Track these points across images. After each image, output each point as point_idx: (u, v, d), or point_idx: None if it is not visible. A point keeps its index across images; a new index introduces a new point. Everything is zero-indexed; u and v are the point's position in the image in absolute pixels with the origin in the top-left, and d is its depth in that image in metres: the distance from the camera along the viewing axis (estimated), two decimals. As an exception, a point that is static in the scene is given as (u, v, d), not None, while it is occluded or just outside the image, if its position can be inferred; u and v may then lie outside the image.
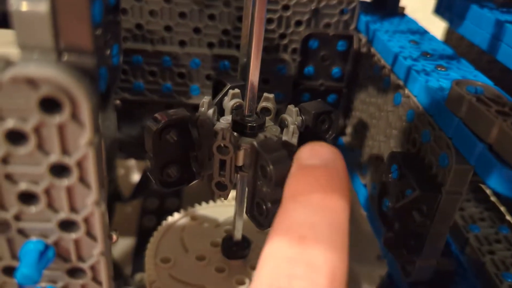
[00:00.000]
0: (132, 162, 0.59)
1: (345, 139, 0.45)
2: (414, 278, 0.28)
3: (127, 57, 0.41)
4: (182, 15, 0.40)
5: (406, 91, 0.31)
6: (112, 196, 0.55)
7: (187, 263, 0.34)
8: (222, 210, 0.39)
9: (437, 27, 0.50)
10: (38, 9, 0.15)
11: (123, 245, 0.55)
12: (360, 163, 0.40)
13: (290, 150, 0.28)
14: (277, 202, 0.25)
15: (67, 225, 0.18)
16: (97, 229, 0.18)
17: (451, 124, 0.25)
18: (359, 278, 0.55)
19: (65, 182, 0.17)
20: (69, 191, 0.17)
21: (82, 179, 0.17)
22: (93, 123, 0.16)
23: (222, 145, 0.27)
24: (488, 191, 0.43)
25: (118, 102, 0.44)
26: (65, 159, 0.16)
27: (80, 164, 0.17)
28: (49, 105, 0.15)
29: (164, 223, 0.38)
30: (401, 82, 0.32)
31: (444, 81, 0.29)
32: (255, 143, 0.25)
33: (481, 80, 0.30)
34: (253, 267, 0.34)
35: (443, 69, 0.31)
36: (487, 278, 0.33)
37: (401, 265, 0.28)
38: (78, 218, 0.18)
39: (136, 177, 0.60)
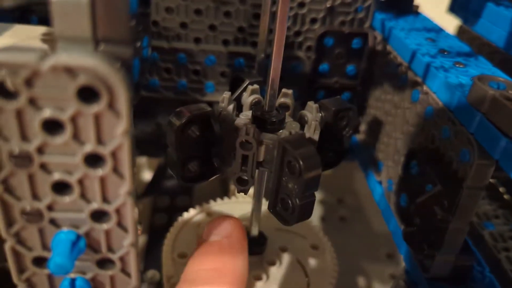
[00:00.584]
0: (143, 160, 0.59)
1: (359, 136, 0.45)
2: (433, 274, 0.28)
3: (142, 54, 0.42)
4: (197, 12, 0.40)
5: (425, 87, 0.31)
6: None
7: (204, 258, 0.34)
8: (237, 206, 0.40)
9: (447, 26, 0.50)
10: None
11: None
12: (375, 160, 0.40)
13: (313, 145, 0.28)
14: (305, 198, 0.25)
15: (98, 216, 0.18)
16: (128, 220, 0.18)
17: (473, 119, 0.25)
18: (369, 277, 0.55)
19: (99, 172, 0.17)
20: (103, 181, 0.17)
21: (116, 169, 0.17)
22: (129, 112, 0.16)
23: (245, 140, 0.27)
24: (501, 189, 0.43)
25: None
26: (100, 149, 0.17)
27: (114, 154, 0.17)
28: (86, 94, 0.16)
29: (180, 219, 0.38)
30: (419, 79, 0.32)
31: (463, 77, 0.29)
32: (280, 139, 0.25)
33: (501, 76, 0.30)
34: (270, 263, 0.34)
35: (461, 66, 0.31)
36: (503, 275, 0.33)
37: (420, 260, 0.29)
38: (110, 208, 0.18)
39: (147, 175, 0.60)
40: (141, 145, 0.48)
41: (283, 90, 0.31)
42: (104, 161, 0.17)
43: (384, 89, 0.39)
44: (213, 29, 0.41)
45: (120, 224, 0.19)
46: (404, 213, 0.30)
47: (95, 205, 0.18)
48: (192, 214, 0.39)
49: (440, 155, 0.28)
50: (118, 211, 0.18)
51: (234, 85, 0.33)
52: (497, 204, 0.41)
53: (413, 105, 0.33)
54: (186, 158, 0.28)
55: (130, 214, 0.18)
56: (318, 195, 0.62)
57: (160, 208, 0.58)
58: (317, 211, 0.60)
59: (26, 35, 0.21)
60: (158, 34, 0.41)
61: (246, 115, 0.30)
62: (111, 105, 0.16)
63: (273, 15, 0.34)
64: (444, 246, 0.27)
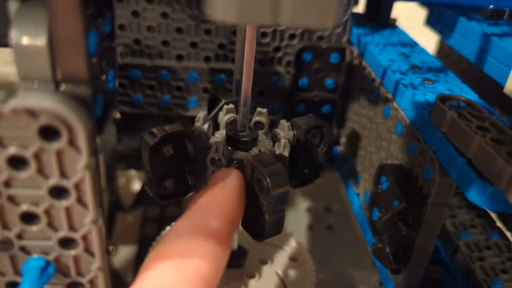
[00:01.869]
0: (132, 172, 0.60)
1: (339, 148, 0.46)
2: (404, 286, 0.29)
3: (126, 72, 0.43)
4: (179, 30, 0.41)
5: (395, 104, 0.32)
6: (113, 206, 0.56)
7: (185, 272, 0.35)
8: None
9: (433, 35, 0.51)
10: (37, 43, 0.16)
11: (124, 253, 0.56)
12: (354, 173, 0.41)
13: (282, 163, 0.29)
14: (274, 213, 0.26)
15: (66, 243, 0.19)
16: (95, 245, 0.19)
17: (434, 138, 0.26)
18: (356, 284, 0.55)
19: (64, 203, 0.18)
20: (68, 211, 0.18)
21: (80, 200, 0.18)
22: (89, 148, 0.17)
23: (215, 157, 0.28)
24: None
25: (118, 115, 0.46)
26: (64, 182, 0.18)
27: (77, 186, 0.18)
28: (48, 132, 0.17)
29: (162, 233, 0.39)
30: (390, 96, 0.33)
31: (430, 95, 0.30)
32: (249, 157, 0.26)
33: (467, 94, 0.31)
34: (250, 276, 0.35)
35: (430, 83, 0.32)
36: (476, 285, 0.34)
37: (389, 270, 0.29)
38: (77, 236, 0.19)
39: (136, 186, 0.61)
40: (128, 159, 0.49)
41: (258, 109, 0.32)
42: (68, 193, 0.18)
43: (361, 103, 0.40)
44: (194, 46, 0.42)
45: (87, 250, 0.20)
46: (375, 228, 0.31)
47: (62, 233, 0.19)
48: (175, 228, 0.40)
49: (407, 172, 0.29)
50: (84, 238, 0.19)
51: (212, 103, 0.34)
52: (475, 213, 0.42)
53: (385, 121, 0.34)
54: (161, 176, 0.29)
55: (96, 240, 0.19)
56: (305, 203, 0.63)
57: (150, 219, 0.58)
58: (304, 220, 0.61)
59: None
60: (141, 52, 0.42)
61: (221, 134, 0.31)
62: (72, 142, 0.17)
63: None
64: (411, 261, 0.27)
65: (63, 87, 0.17)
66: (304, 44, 0.42)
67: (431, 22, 0.45)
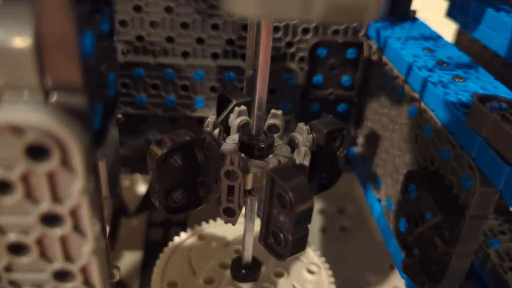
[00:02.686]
0: (137, 176, 0.58)
1: (356, 149, 0.43)
2: (436, 304, 0.27)
3: (128, 71, 0.40)
4: (184, 25, 0.39)
5: (422, 104, 0.29)
6: (118, 211, 0.54)
7: (195, 287, 0.33)
8: (231, 228, 0.38)
9: (448, 27, 0.48)
10: (21, 45, 0.13)
11: (129, 259, 0.54)
12: (374, 176, 0.38)
13: (303, 174, 0.27)
14: (297, 232, 0.23)
15: (62, 275, 0.17)
16: (95, 278, 0.17)
17: (473, 143, 0.24)
18: (372, 287, 0.53)
19: (58, 231, 0.15)
20: (63, 240, 0.16)
21: (77, 228, 0.16)
22: (86, 168, 0.14)
23: (230, 170, 0.25)
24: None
25: (120, 116, 0.43)
26: (57, 208, 0.15)
27: (73, 213, 0.15)
28: (37, 151, 0.14)
29: (170, 244, 0.37)
30: (416, 95, 0.30)
31: (463, 94, 0.27)
32: (269, 170, 0.24)
33: (502, 92, 0.28)
34: (264, 290, 0.33)
35: (461, 80, 0.29)
36: (512, 298, 0.31)
37: (422, 291, 0.27)
38: (74, 268, 0.16)
39: (141, 190, 0.58)
40: (131, 162, 0.46)
41: (272, 111, 0.30)
42: (62, 220, 0.15)
43: (381, 101, 0.37)
44: (200, 42, 0.39)
45: (86, 283, 0.17)
46: (404, 240, 0.29)
47: (57, 265, 0.16)
48: (183, 238, 0.37)
49: (439, 179, 0.26)
50: (83, 270, 0.17)
51: (221, 104, 0.31)
52: (503, 219, 0.39)
53: (410, 122, 0.31)
54: (169, 188, 0.26)
55: (97, 272, 0.17)
56: (319, 205, 0.61)
57: (155, 223, 0.56)
58: (317, 222, 0.59)
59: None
60: (144, 50, 0.40)
61: (233, 140, 0.28)
62: (65, 162, 0.14)
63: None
64: (446, 279, 0.25)
65: (54, 97, 0.14)
66: (318, 38, 0.39)
67: (452, 14, 0.42)
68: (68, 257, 0.16)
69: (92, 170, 0.15)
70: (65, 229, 0.15)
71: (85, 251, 0.16)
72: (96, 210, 0.16)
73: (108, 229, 0.53)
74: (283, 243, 0.24)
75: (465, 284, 0.27)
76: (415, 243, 0.25)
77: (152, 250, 0.52)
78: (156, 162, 0.25)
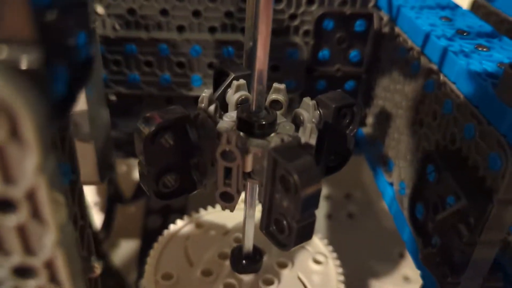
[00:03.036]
0: (132, 161, 0.55)
1: (365, 130, 0.40)
2: (457, 299, 0.24)
3: (119, 47, 0.37)
4: (179, -4, 0.36)
5: (442, 76, 0.26)
6: (113, 198, 0.51)
7: (192, 279, 0.30)
8: (231, 215, 0.35)
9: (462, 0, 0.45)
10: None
11: (126, 248, 0.51)
12: (385, 158, 0.35)
13: (309, 154, 0.24)
14: (304, 219, 0.21)
15: (24, 271, 0.14)
16: (62, 274, 0.14)
17: (504, 117, 0.21)
18: (381, 278, 0.50)
19: (12, 219, 0.13)
20: (20, 230, 0.13)
21: (35, 215, 0.13)
22: (42, 142, 0.12)
23: (227, 149, 0.22)
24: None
25: (113, 97, 0.40)
26: (9, 191, 0.12)
27: (30, 196, 0.12)
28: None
29: (165, 232, 0.34)
30: (434, 66, 0.27)
31: (488, 64, 0.24)
32: (270, 149, 0.21)
33: (533, 62, 0.25)
34: (267, 282, 0.30)
35: (485, 49, 0.26)
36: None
37: (441, 284, 0.24)
38: (37, 262, 0.14)
39: (137, 175, 0.56)
40: (126, 146, 0.43)
41: (275, 85, 0.27)
42: (17, 205, 0.13)
43: (392, 77, 0.34)
44: (197, 15, 0.36)
45: (53, 280, 0.14)
46: (421, 228, 0.26)
47: (16, 258, 0.14)
48: (179, 225, 0.35)
49: (463, 160, 0.23)
50: (48, 264, 0.14)
51: (218, 80, 0.28)
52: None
53: (427, 97, 0.28)
54: (160, 171, 0.24)
55: (64, 267, 0.14)
56: (324, 190, 0.58)
57: (153, 210, 0.54)
58: (323, 208, 0.56)
59: None
60: (136, 24, 0.37)
61: (230, 117, 0.25)
62: (15, 135, 0.11)
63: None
64: (469, 270, 0.22)
65: (3, 52, 0.11)
66: (324, 10, 0.36)
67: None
68: (28, 250, 0.14)
69: (51, 145, 0.12)
70: (21, 216, 0.13)
71: (48, 242, 0.13)
72: (60, 194, 0.13)
73: (102, 217, 0.51)
74: (286, 231, 0.22)
75: (489, 276, 0.24)
76: (435, 231, 0.23)
77: (150, 238, 0.50)
78: (143, 142, 0.22)
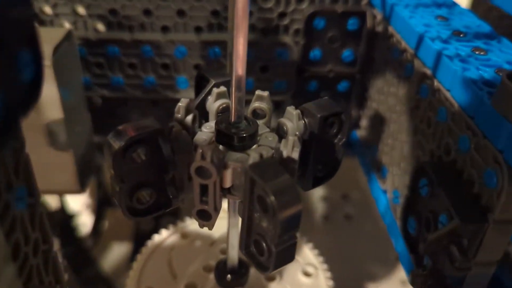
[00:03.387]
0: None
1: (359, 133, 0.38)
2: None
3: (101, 49, 0.36)
4: (162, -5, 0.34)
5: (436, 82, 0.25)
6: (102, 201, 0.50)
7: (175, 294, 0.29)
8: (217, 225, 0.34)
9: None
10: None
11: (118, 252, 0.50)
12: (379, 164, 0.33)
13: (291, 169, 0.22)
14: (283, 242, 0.19)
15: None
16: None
17: (501, 131, 0.19)
18: (378, 282, 0.49)
19: None
20: None
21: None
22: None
23: (201, 166, 0.21)
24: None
25: (99, 100, 0.39)
26: None
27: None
28: None
29: (149, 243, 0.33)
30: (428, 71, 0.26)
31: (485, 70, 0.23)
32: (247, 166, 0.19)
33: (534, 67, 0.23)
34: (253, 297, 0.29)
35: (482, 53, 0.24)
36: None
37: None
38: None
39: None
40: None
41: (257, 92, 0.25)
42: None
43: (386, 79, 0.32)
44: (182, 15, 0.35)
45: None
46: (412, 244, 0.24)
47: None
48: (164, 236, 0.33)
49: (457, 173, 0.22)
50: None
51: (200, 86, 0.27)
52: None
53: (421, 103, 0.27)
54: (133, 187, 0.22)
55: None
56: (321, 191, 0.56)
57: (145, 213, 0.52)
58: (319, 209, 0.55)
59: None
60: (118, 25, 0.35)
61: (210, 127, 0.24)
62: None
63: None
64: (465, 294, 0.21)
65: None
66: (315, 8, 0.34)
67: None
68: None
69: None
70: None
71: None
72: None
73: (92, 221, 0.50)
74: (266, 254, 0.20)
75: (485, 296, 0.23)
76: (426, 251, 0.21)
77: (142, 242, 0.49)
78: (112, 157, 0.21)
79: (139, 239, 0.50)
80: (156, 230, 0.35)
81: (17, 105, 0.13)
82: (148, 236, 0.35)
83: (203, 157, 0.20)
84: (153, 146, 0.22)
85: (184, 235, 0.33)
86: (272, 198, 0.18)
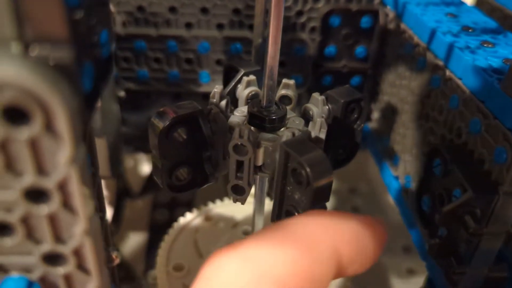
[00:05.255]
0: (140, 156, 0.56)
1: (371, 125, 0.41)
2: (462, 288, 0.25)
3: (129, 43, 0.38)
4: (187, -6, 0.36)
5: (448, 72, 0.27)
6: (122, 192, 0.52)
7: (203, 270, 0.31)
8: (239, 208, 0.36)
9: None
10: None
11: (135, 241, 0.52)
12: (391, 153, 0.36)
13: (320, 148, 0.25)
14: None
15: (53, 259, 0.15)
16: (90, 262, 0.15)
17: (510, 112, 0.21)
18: (385, 271, 0.51)
19: (44, 209, 0.13)
20: (52, 219, 0.14)
21: (66, 205, 0.13)
22: (74, 134, 0.12)
23: (239, 143, 0.23)
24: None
25: (122, 93, 0.41)
26: (42, 181, 0.13)
27: (61, 187, 0.13)
28: (16, 115, 0.12)
29: (175, 225, 0.35)
30: (440, 62, 0.28)
31: (493, 60, 0.25)
32: (282, 142, 0.21)
33: (539, 58, 0.25)
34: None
35: (490, 46, 0.27)
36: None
37: (447, 274, 0.25)
38: (66, 250, 0.14)
39: (145, 170, 0.57)
40: (135, 141, 0.44)
41: (284, 80, 0.27)
42: (49, 196, 0.13)
43: (398, 73, 0.34)
44: (205, 12, 0.37)
45: (81, 267, 0.15)
46: (427, 219, 0.26)
47: (46, 246, 0.14)
48: (189, 219, 0.35)
49: (469, 153, 0.24)
50: (76, 252, 0.15)
51: (228, 76, 0.29)
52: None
53: (433, 92, 0.29)
54: (173, 164, 0.24)
55: (92, 255, 0.15)
56: (328, 184, 0.58)
57: (161, 204, 0.54)
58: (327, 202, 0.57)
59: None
60: (145, 21, 0.37)
61: (241, 112, 0.26)
62: (49, 127, 0.12)
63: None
64: (475, 261, 0.23)
65: (35, 50, 0.12)
66: (331, 7, 0.37)
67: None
68: (58, 238, 0.14)
69: (81, 138, 0.13)
70: (52, 206, 0.13)
71: (77, 231, 0.14)
72: (88, 186, 0.14)
73: (111, 211, 0.52)
74: None
75: (494, 266, 0.25)
76: (442, 222, 0.23)
77: (157, 231, 0.50)
78: (158, 136, 0.23)
79: (155, 229, 0.52)
80: (171, 221, 0.37)
81: (101, 76, 0.16)
82: (164, 226, 0.37)
83: (241, 135, 0.23)
84: (193, 126, 0.24)
85: (208, 218, 0.35)
86: (308, 169, 0.20)
